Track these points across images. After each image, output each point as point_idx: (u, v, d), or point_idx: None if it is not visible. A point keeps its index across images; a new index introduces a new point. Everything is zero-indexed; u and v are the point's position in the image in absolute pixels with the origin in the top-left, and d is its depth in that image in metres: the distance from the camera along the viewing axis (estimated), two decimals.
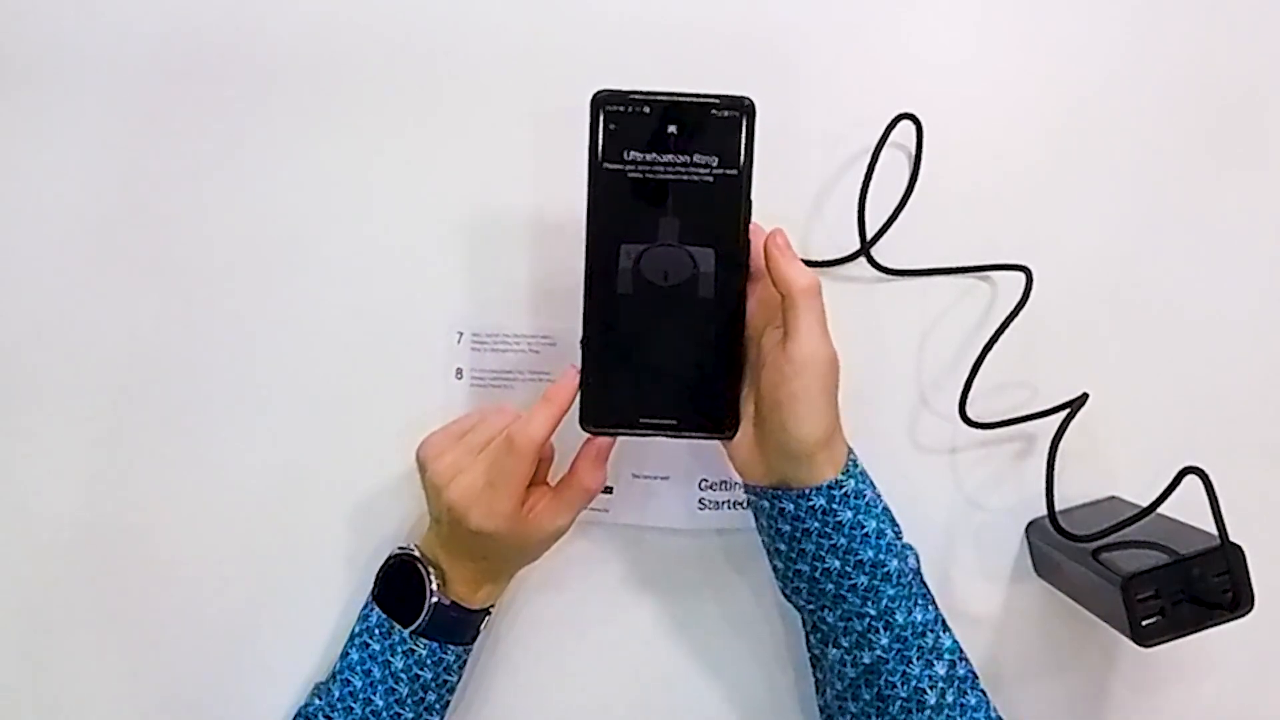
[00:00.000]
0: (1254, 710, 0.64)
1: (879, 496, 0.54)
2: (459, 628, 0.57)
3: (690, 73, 0.61)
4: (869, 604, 0.52)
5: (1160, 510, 0.53)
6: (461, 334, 0.62)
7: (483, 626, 0.59)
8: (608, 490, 0.61)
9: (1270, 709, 0.64)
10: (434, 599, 0.55)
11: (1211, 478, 0.51)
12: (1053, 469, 0.56)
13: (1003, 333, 0.60)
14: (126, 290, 0.61)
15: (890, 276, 0.62)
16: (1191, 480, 0.51)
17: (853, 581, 0.52)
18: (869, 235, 0.61)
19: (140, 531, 0.61)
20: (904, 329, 0.62)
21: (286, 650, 0.61)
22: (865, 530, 0.52)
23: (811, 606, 0.54)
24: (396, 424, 0.61)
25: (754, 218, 0.51)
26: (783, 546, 0.54)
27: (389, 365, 0.62)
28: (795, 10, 0.62)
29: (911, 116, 0.60)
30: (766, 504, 0.54)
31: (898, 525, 0.55)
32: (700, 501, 0.62)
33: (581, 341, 0.51)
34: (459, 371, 0.62)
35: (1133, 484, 0.61)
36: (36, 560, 0.61)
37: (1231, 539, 0.52)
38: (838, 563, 0.52)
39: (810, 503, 0.52)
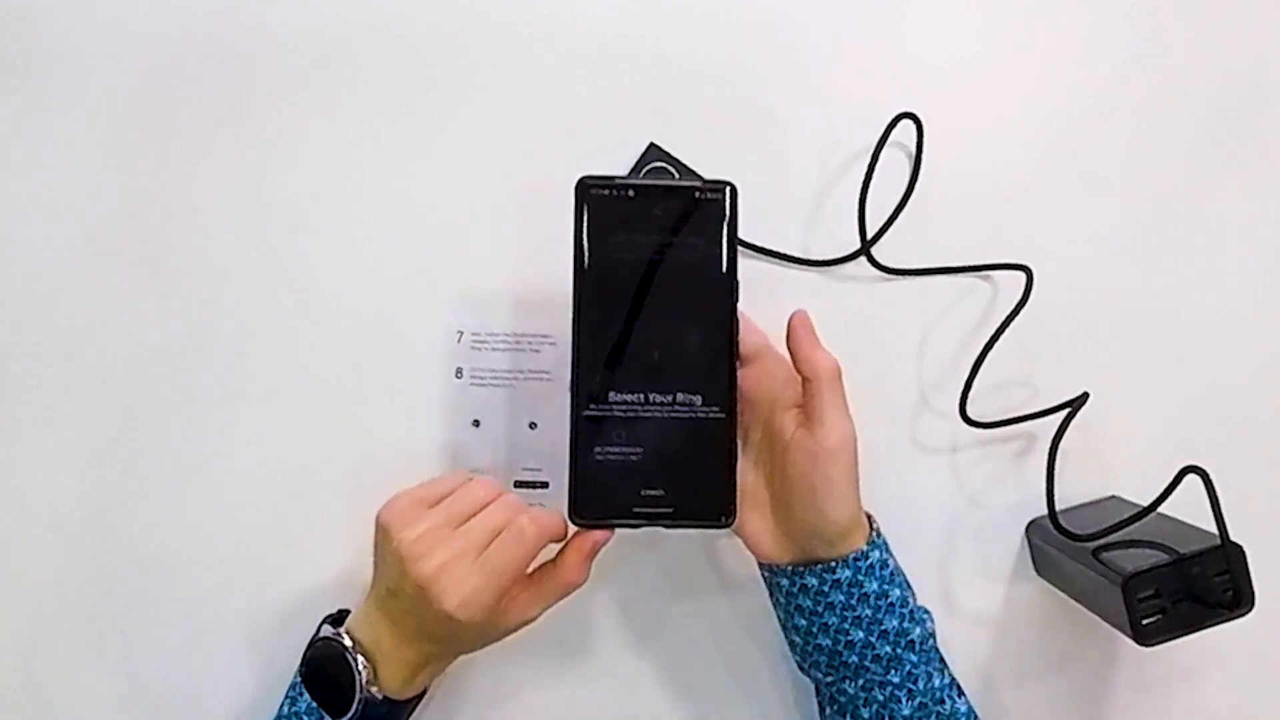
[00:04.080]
0: (1254, 710, 0.64)
1: (897, 561, 0.54)
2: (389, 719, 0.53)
3: (690, 73, 0.62)
4: (892, 672, 0.51)
5: (1160, 510, 0.53)
6: (461, 334, 0.62)
7: (415, 709, 0.56)
8: None
9: (1270, 709, 0.64)
10: (363, 694, 0.51)
11: (1212, 477, 0.51)
12: (1053, 468, 0.57)
13: (1003, 333, 0.60)
14: (125, 289, 0.61)
15: (890, 276, 0.62)
16: (1191, 480, 0.51)
17: (876, 652, 0.51)
18: (869, 235, 0.61)
19: (140, 530, 0.61)
20: (904, 329, 0.62)
21: (286, 650, 0.61)
22: (890, 599, 0.52)
23: (831, 679, 0.53)
24: (397, 424, 0.61)
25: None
26: (802, 622, 0.53)
27: (389, 365, 0.61)
28: (796, 10, 0.62)
29: (912, 116, 0.60)
30: (785, 581, 0.53)
31: (912, 588, 0.54)
32: None
33: (570, 427, 0.50)
34: (459, 371, 0.62)
35: (1133, 484, 0.61)
36: (36, 559, 0.61)
37: (1232, 538, 0.52)
38: (861, 634, 0.51)
39: (835, 576, 0.51)
